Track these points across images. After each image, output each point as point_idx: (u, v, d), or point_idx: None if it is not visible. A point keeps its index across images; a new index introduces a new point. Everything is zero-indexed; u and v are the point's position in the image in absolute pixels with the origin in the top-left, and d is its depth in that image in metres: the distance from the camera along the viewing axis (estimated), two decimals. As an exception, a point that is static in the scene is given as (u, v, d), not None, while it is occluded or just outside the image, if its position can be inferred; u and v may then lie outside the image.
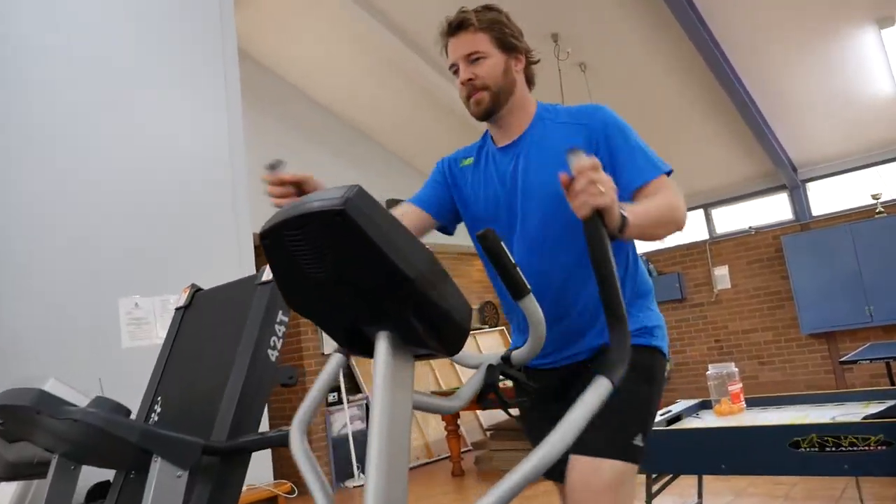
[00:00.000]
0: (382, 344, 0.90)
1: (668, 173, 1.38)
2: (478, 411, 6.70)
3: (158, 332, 3.43)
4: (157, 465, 1.27)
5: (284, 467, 5.83)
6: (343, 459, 6.01)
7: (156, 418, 1.78)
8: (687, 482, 2.98)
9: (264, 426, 3.12)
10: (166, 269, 3.48)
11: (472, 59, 1.44)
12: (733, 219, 7.68)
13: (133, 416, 1.84)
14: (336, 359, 1.16)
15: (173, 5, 3.94)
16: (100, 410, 1.29)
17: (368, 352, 0.93)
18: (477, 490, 5.04)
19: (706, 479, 3.03)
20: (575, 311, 1.42)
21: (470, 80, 1.44)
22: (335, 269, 0.85)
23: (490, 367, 1.09)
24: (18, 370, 3.06)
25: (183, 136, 3.83)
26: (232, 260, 3.77)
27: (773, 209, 7.43)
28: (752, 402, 2.76)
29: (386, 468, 0.82)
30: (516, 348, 1.11)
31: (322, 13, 5.61)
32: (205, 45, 4.03)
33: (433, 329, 0.88)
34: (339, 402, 6.10)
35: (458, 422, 5.70)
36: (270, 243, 0.88)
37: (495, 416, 6.30)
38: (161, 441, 1.29)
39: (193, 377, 1.81)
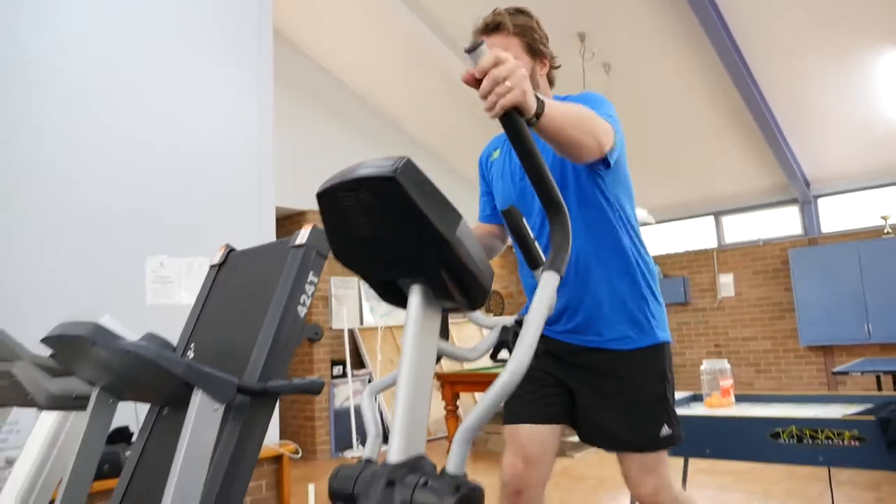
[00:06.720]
0: (416, 296, 1.04)
1: (612, 126, 1.39)
2: (476, 393, 6.85)
3: (181, 293, 3.61)
4: (197, 398, 1.42)
5: (290, 430, 6.05)
6: (344, 430, 6.20)
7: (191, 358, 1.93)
8: (673, 469, 3.11)
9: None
10: (191, 234, 3.68)
11: None
12: (743, 228, 7.79)
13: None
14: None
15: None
16: (151, 344, 1.44)
17: (400, 302, 1.08)
18: (471, 469, 5.19)
19: (692, 473, 3.17)
20: (588, 301, 1.57)
21: None
22: (381, 228, 0.99)
23: (504, 327, 1.24)
24: (63, 311, 3.24)
25: (216, 113, 4.01)
26: (252, 231, 3.96)
27: (783, 222, 7.54)
28: (741, 398, 2.90)
29: (412, 401, 0.97)
30: (530, 313, 1.26)
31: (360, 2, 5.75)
32: (240, 24, 4.19)
33: (461, 285, 1.02)
34: (344, 375, 6.28)
35: (458, 402, 5.85)
36: (325, 201, 1.02)
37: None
38: (203, 376, 1.42)
39: (225, 326, 1.95)
